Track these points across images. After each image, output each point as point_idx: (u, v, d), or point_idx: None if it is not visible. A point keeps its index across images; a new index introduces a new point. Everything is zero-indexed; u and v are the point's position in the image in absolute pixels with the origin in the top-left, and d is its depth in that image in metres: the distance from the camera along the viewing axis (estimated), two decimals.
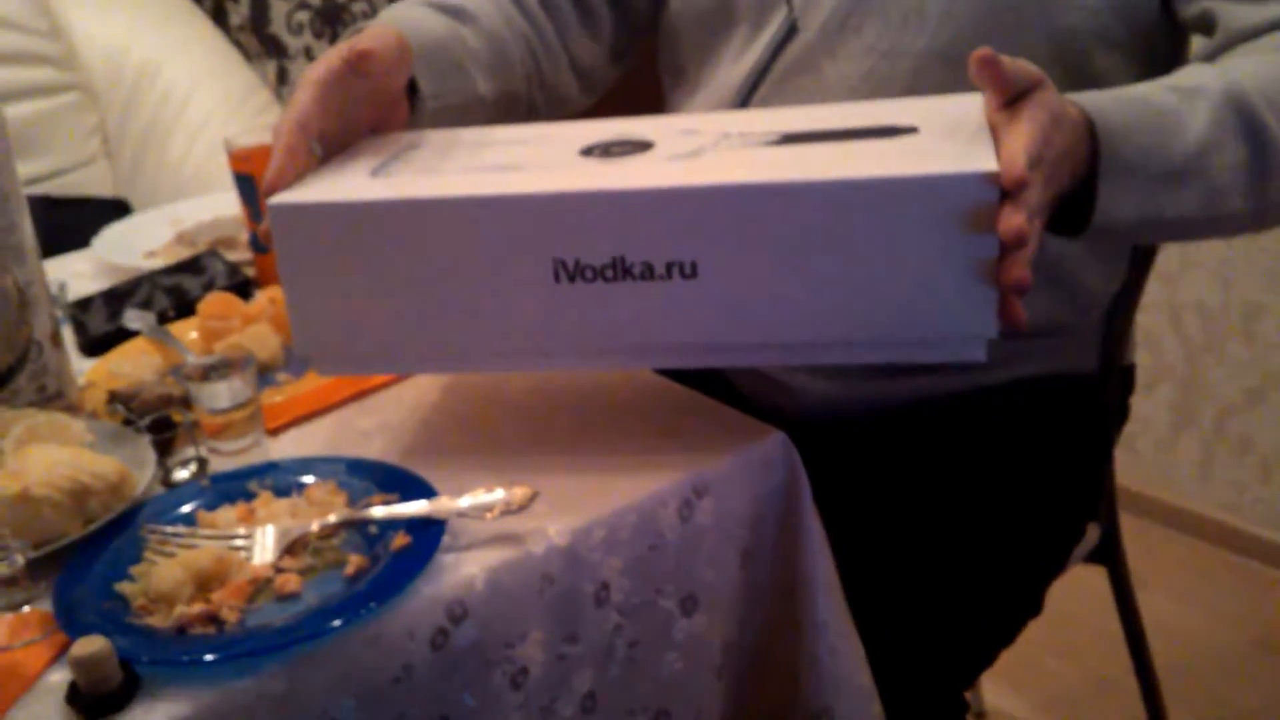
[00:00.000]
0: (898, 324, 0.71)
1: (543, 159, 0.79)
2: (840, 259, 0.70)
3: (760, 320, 0.73)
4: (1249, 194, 0.78)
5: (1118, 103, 0.76)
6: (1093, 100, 0.76)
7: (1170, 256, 1.91)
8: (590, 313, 0.74)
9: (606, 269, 0.72)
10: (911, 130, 0.75)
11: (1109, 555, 1.22)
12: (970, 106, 0.76)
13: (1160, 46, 0.93)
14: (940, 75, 0.88)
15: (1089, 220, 0.76)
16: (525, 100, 1.03)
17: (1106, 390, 1.09)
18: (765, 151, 0.75)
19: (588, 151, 0.79)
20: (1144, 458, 2.05)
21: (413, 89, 0.92)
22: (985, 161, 0.67)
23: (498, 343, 0.77)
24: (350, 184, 0.78)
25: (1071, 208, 0.76)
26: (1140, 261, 1.11)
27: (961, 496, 0.97)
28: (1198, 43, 0.92)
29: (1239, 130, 0.77)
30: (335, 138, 0.84)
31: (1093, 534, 1.18)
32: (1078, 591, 1.24)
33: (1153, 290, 1.16)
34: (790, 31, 0.96)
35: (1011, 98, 0.71)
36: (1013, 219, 0.65)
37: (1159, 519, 2.03)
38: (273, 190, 0.77)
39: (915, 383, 0.98)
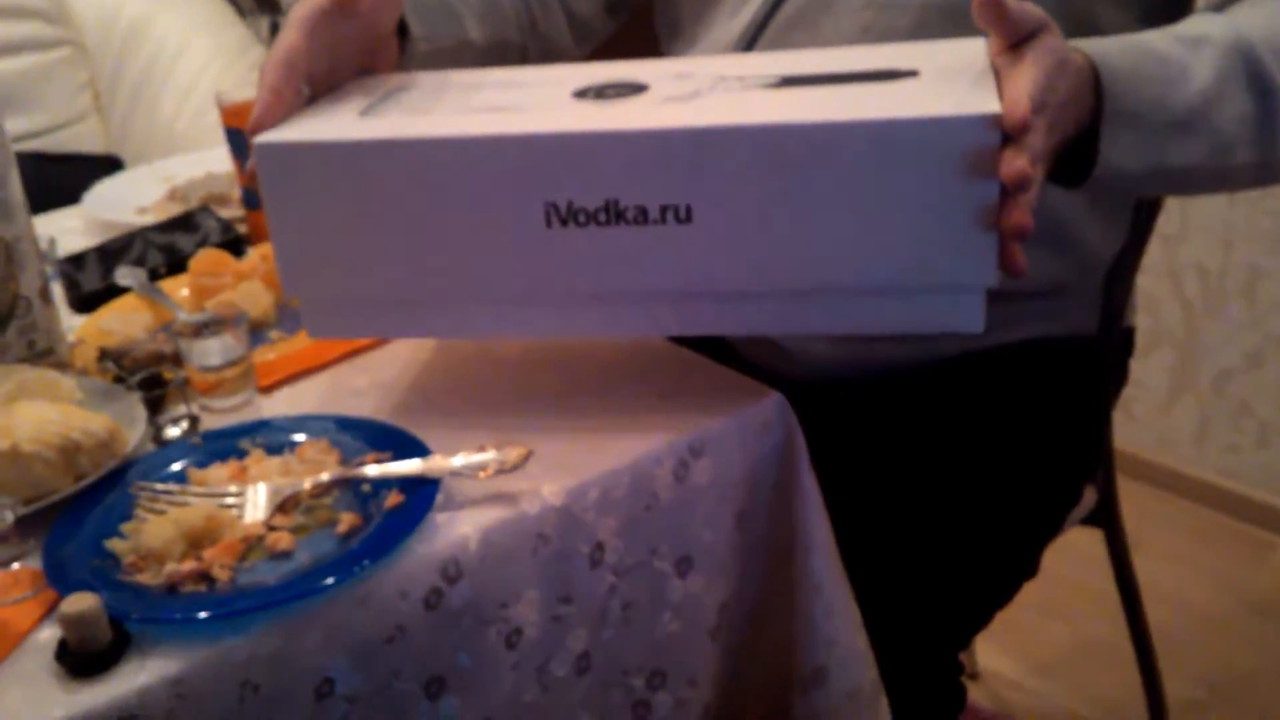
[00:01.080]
0: (896, 270, 0.70)
1: (535, 101, 0.77)
2: (837, 203, 0.69)
3: (756, 266, 0.72)
4: (1254, 146, 0.77)
5: (1123, 50, 0.75)
6: (1098, 47, 0.75)
7: (1171, 218, 1.90)
8: (582, 257, 0.73)
9: (599, 213, 0.71)
10: (912, 74, 0.73)
11: (1106, 518, 1.22)
12: (973, 50, 0.75)
13: (1164, 1, 0.91)
14: (940, 29, 0.86)
15: (1091, 170, 0.75)
16: (517, 48, 1.02)
17: (1106, 353, 1.08)
18: (762, 94, 0.74)
19: (581, 94, 0.77)
20: (1141, 421, 2.05)
21: (403, 31, 0.90)
22: (987, 104, 0.66)
23: (487, 288, 0.75)
24: (339, 123, 0.76)
25: (1074, 157, 0.75)
26: (1142, 222, 1.10)
27: (959, 459, 0.96)
28: None
29: (1245, 82, 0.76)
30: (323, 78, 0.82)
31: (1089, 497, 1.18)
32: (1072, 553, 1.24)
33: (1153, 252, 1.15)
34: None
35: (1015, 41, 0.70)
36: (1015, 161, 0.64)
37: (1155, 482, 2.03)
38: (258, 129, 0.76)
39: (913, 345, 0.97)
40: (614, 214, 0.71)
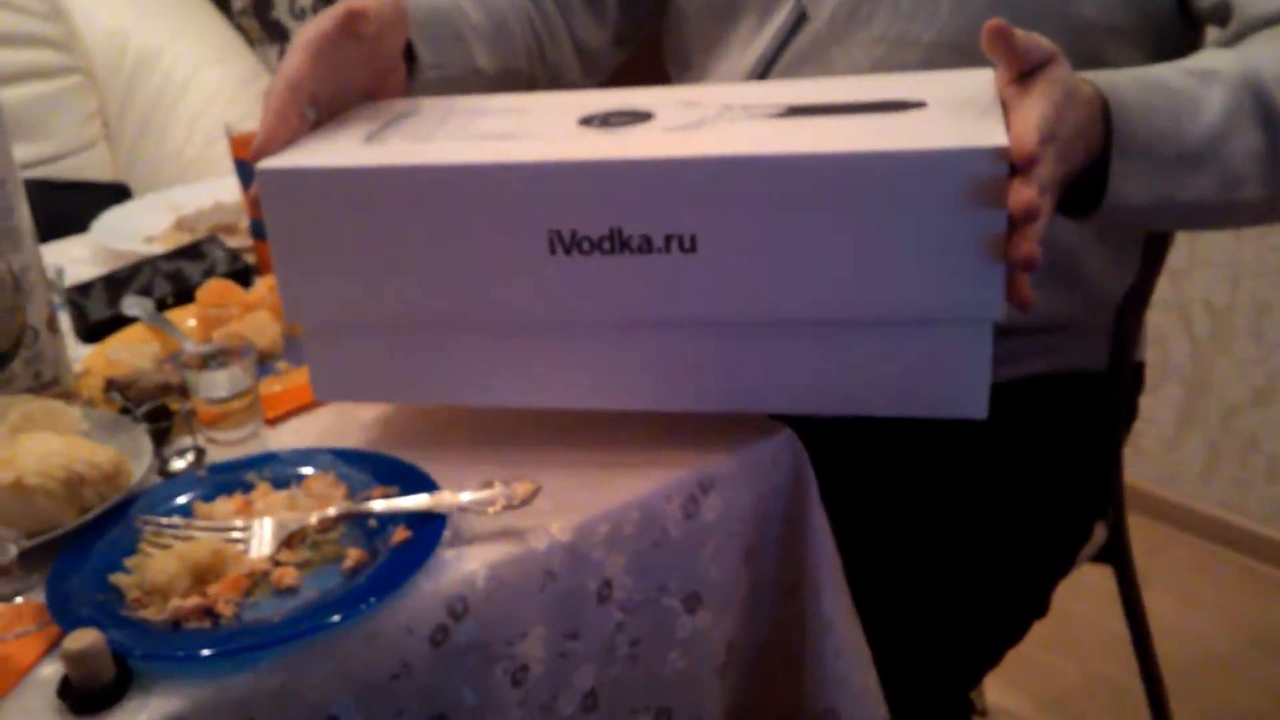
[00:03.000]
0: (903, 301, 0.70)
1: (540, 128, 0.77)
2: (844, 234, 0.69)
3: (761, 296, 0.71)
4: (1264, 182, 0.77)
5: (1133, 83, 0.75)
6: (1107, 79, 0.74)
7: (1179, 253, 1.90)
8: (587, 285, 0.72)
9: (604, 241, 0.71)
10: (920, 105, 0.73)
11: (1115, 555, 1.21)
12: (981, 81, 0.75)
13: (1173, 39, 0.91)
14: (951, 65, 0.86)
15: (1100, 202, 0.75)
16: (526, 77, 1.02)
17: (1117, 389, 1.08)
18: (769, 124, 0.74)
19: (586, 121, 0.77)
20: (1149, 456, 2.04)
21: (411, 58, 0.90)
22: (995, 136, 0.66)
23: (490, 316, 0.75)
24: (343, 149, 0.76)
25: (1083, 189, 0.75)
26: (1152, 257, 1.10)
27: (970, 495, 0.95)
28: (1212, 34, 0.90)
29: (1255, 116, 0.76)
30: (328, 102, 0.82)
31: (1099, 534, 1.17)
32: (1080, 590, 1.23)
33: (1161, 287, 1.15)
34: (799, 20, 0.94)
35: (1024, 72, 0.69)
36: (1023, 192, 0.64)
37: (1163, 517, 2.02)
38: (261, 154, 0.75)
39: None
40: (619, 242, 0.71)
